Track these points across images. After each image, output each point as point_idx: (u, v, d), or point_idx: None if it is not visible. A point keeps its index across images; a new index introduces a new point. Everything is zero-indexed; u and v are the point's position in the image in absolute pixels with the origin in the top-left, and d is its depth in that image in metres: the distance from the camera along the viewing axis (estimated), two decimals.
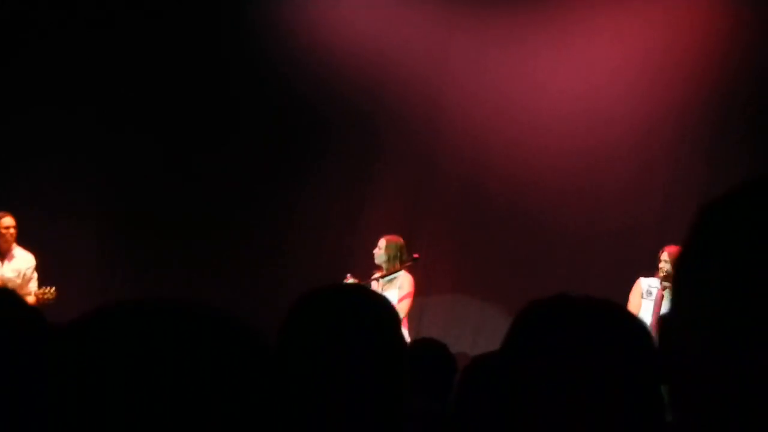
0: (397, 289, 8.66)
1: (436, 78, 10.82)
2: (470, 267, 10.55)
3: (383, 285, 8.69)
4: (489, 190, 10.54)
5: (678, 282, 0.94)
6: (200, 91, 10.92)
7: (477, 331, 10.04)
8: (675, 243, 8.78)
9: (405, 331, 8.57)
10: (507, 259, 10.40)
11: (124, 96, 10.87)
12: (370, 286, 8.68)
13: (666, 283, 8.17)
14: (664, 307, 8.04)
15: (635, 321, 1.59)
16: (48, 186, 10.63)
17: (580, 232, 10.23)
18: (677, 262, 0.95)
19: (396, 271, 8.70)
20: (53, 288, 8.88)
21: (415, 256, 8.86)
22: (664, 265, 8.20)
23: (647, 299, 8.22)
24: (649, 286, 8.30)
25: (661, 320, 0.97)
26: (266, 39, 10.90)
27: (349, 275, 8.80)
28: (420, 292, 9.06)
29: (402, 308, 8.48)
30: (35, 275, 9.09)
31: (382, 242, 8.81)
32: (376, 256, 8.77)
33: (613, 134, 10.31)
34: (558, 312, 1.59)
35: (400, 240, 8.86)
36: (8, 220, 8.96)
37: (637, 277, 8.40)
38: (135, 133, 10.90)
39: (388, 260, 8.70)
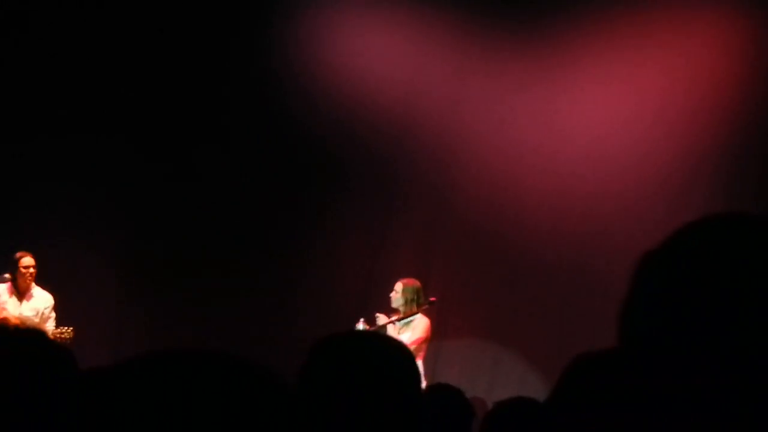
0: (411, 331, 8.65)
1: (451, 122, 10.87)
2: (485, 311, 10.52)
3: (400, 328, 8.69)
4: (504, 234, 10.54)
5: (623, 320, 1.06)
6: (216, 130, 11.00)
7: (493, 376, 10.01)
8: None
9: (420, 375, 8.54)
10: (522, 303, 10.37)
11: (141, 132, 10.95)
12: (386, 328, 8.69)
13: None
14: None
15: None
16: (68, 224, 10.68)
17: (596, 277, 10.19)
18: (624, 304, 1.08)
19: (413, 314, 8.69)
20: (71, 328, 8.92)
21: (432, 299, 8.85)
22: None
23: None
24: None
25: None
26: (285, 80, 10.96)
27: (362, 320, 8.78)
28: (436, 335, 9.05)
29: (414, 351, 8.47)
30: (53, 315, 9.14)
31: (399, 285, 8.82)
32: (393, 299, 8.77)
33: (628, 181, 10.31)
34: (613, 367, 1.57)
35: (417, 283, 8.87)
36: (28, 260, 9.04)
37: None
38: (152, 171, 10.96)
39: (406, 303, 8.71)
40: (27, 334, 1.82)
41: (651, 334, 1.00)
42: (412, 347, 8.48)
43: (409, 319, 8.67)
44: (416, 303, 8.72)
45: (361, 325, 8.73)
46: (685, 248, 0.99)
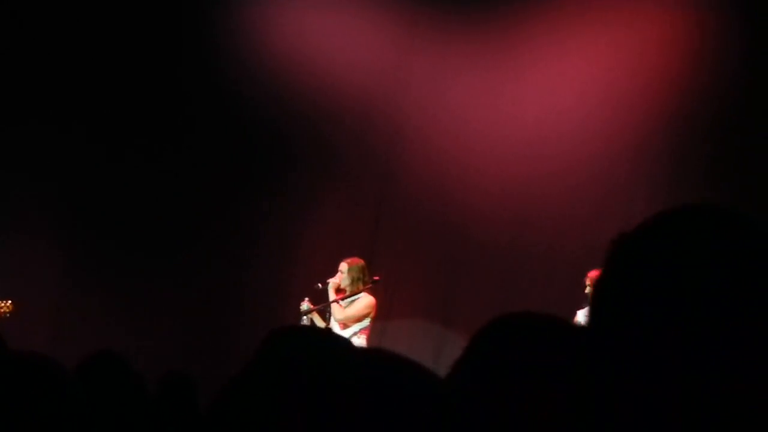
0: (353, 307, 8.69)
1: (398, 100, 10.85)
2: (431, 291, 10.55)
3: (345, 307, 8.69)
4: (451, 214, 10.55)
5: (595, 305, 1.07)
6: (156, 105, 10.88)
7: (438, 355, 10.02)
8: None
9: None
10: (467, 283, 10.41)
11: (79, 108, 10.79)
12: (330, 308, 8.68)
13: None
14: None
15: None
16: (9, 210, 10.53)
17: (543, 256, 10.26)
18: (595, 287, 1.08)
19: (357, 293, 8.69)
20: (9, 301, 8.80)
21: (376, 278, 8.89)
22: (589, 290, 8.30)
23: None
24: (585, 317, 8.33)
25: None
26: (228, 57, 10.88)
27: (306, 299, 8.79)
28: (381, 315, 9.04)
29: (343, 314, 8.57)
30: None
31: (344, 265, 8.81)
32: (339, 279, 8.75)
33: (576, 159, 10.37)
34: (519, 328, 1.61)
35: (361, 262, 8.87)
36: None
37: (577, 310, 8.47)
38: (89, 145, 10.82)
39: (352, 282, 8.73)
40: None
41: (616, 317, 1.03)
42: (351, 324, 8.52)
43: (354, 297, 8.69)
44: (361, 282, 8.73)
45: (306, 305, 8.72)
46: (661, 235, 1.04)
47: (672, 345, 0.97)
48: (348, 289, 8.72)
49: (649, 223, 1.05)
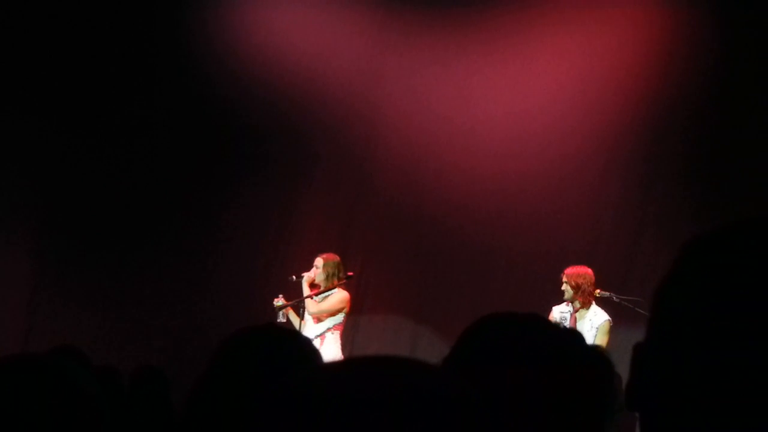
0: (327, 302, 8.70)
1: (371, 96, 10.83)
2: (405, 287, 10.55)
3: (319, 302, 8.70)
4: (424, 209, 10.56)
5: (658, 313, 0.97)
6: (128, 100, 10.76)
7: (412, 352, 10.04)
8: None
9: (338, 348, 8.57)
10: (440, 279, 10.42)
11: (49, 103, 10.70)
12: (304, 304, 8.68)
13: (577, 304, 8.37)
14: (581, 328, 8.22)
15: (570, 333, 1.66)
16: None
17: (514, 253, 10.29)
18: (659, 294, 0.98)
19: (332, 288, 8.70)
20: None
21: (350, 274, 8.90)
22: (566, 287, 8.36)
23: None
24: (561, 313, 8.43)
25: (636, 348, 0.99)
26: (201, 52, 10.78)
27: (281, 296, 8.78)
28: (354, 310, 9.05)
29: (315, 308, 8.58)
30: None
31: (319, 261, 8.81)
32: (314, 275, 8.74)
33: (548, 158, 10.40)
34: (506, 326, 1.62)
35: (336, 258, 8.88)
36: None
37: (551, 306, 8.52)
38: (60, 140, 10.70)
39: (327, 278, 8.72)
40: None
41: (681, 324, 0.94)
42: (325, 318, 8.55)
43: (328, 293, 8.70)
44: (336, 277, 8.74)
45: (280, 301, 8.72)
46: (739, 243, 0.95)
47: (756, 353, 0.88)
48: (322, 284, 8.73)
49: (731, 227, 0.96)
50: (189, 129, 10.81)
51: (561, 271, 8.57)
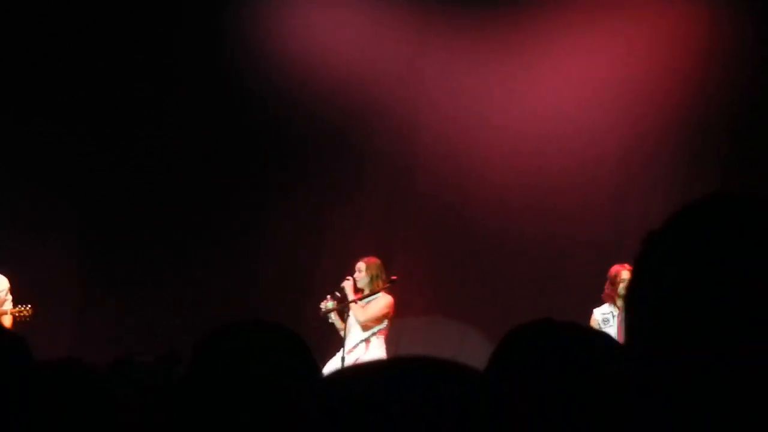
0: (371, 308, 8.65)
1: (412, 98, 10.84)
2: (448, 289, 10.54)
3: (364, 307, 8.66)
4: (466, 211, 10.56)
5: (632, 301, 1.03)
6: (173, 111, 10.87)
7: (457, 354, 10.02)
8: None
9: (383, 352, 8.55)
10: (485, 280, 10.40)
11: (87, 110, 10.81)
12: (349, 308, 8.65)
13: (620, 303, 8.15)
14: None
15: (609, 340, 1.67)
16: (21, 205, 10.57)
17: (559, 252, 10.25)
18: (629, 287, 1.05)
19: (376, 292, 8.67)
20: (29, 306, 8.84)
21: (394, 277, 8.82)
22: (622, 287, 8.18)
23: (606, 327, 8.18)
24: (603, 315, 8.32)
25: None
26: (237, 55, 10.87)
27: (329, 297, 8.74)
28: (399, 314, 9.04)
29: (361, 313, 8.54)
30: (9, 297, 9.02)
31: (361, 265, 8.79)
32: (357, 279, 8.73)
33: (592, 154, 10.36)
34: (541, 336, 1.61)
35: (378, 261, 8.85)
36: None
37: (591, 309, 8.43)
38: (101, 151, 10.84)
39: (371, 281, 8.68)
40: None
41: (657, 323, 0.98)
42: (371, 324, 8.52)
43: (372, 297, 8.66)
44: (379, 280, 8.71)
45: (330, 303, 8.69)
46: (692, 228, 1.00)
47: (718, 344, 0.92)
48: (366, 288, 8.71)
49: (676, 218, 1.01)
50: (229, 133, 10.89)
51: (603, 269, 8.51)
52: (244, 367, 1.84)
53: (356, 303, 8.63)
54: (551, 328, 1.63)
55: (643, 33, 10.36)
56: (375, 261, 8.82)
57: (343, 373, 1.07)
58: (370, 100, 10.84)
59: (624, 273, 8.08)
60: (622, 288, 8.07)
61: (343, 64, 10.86)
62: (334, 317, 8.72)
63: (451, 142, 10.69)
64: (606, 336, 1.71)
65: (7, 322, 8.74)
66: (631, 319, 1.02)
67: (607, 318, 8.27)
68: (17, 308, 8.82)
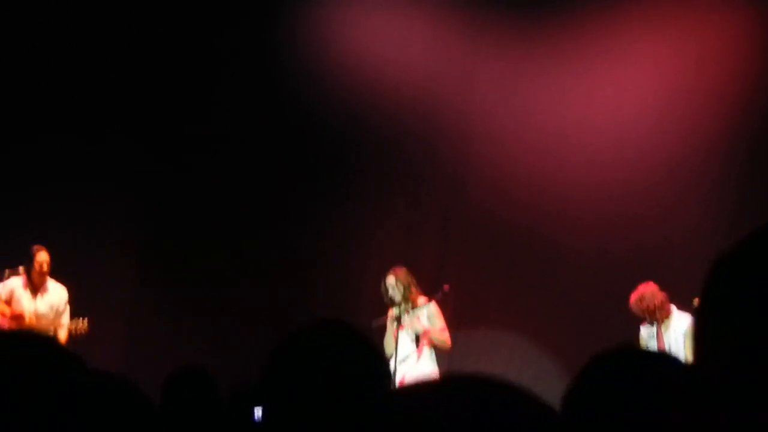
0: (429, 319, 8.53)
1: (466, 109, 10.82)
2: (502, 300, 10.48)
3: (411, 319, 8.52)
4: (517, 220, 10.49)
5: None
6: (228, 121, 10.94)
7: (508, 366, 9.97)
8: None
9: (434, 363, 8.47)
10: (538, 291, 10.33)
11: (149, 127, 10.94)
12: (399, 324, 8.48)
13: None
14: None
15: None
16: (80, 216, 10.70)
17: (612, 264, 10.15)
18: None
19: (418, 299, 8.52)
20: (85, 320, 8.96)
21: (446, 288, 8.67)
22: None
23: (650, 342, 8.27)
24: (648, 331, 8.37)
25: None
26: (291, 64, 10.91)
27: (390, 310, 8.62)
28: (451, 325, 8.99)
29: (446, 337, 8.45)
30: (68, 308, 9.16)
31: (391, 279, 8.54)
32: (392, 296, 8.51)
33: (643, 166, 10.26)
34: (623, 367, 1.57)
35: (404, 268, 8.64)
36: (43, 255, 9.03)
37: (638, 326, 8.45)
38: (159, 161, 10.95)
39: (406, 289, 8.47)
40: (35, 341, 1.81)
41: (723, 347, 0.98)
42: (444, 333, 8.46)
43: (422, 307, 8.52)
44: (413, 284, 8.52)
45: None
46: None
47: None
48: (403, 300, 8.46)
49: (751, 240, 0.98)
50: (281, 141, 10.95)
51: (660, 279, 8.48)
52: (325, 367, 1.86)
53: (407, 314, 8.50)
54: (636, 356, 1.59)
55: (694, 37, 10.25)
56: (399, 271, 8.62)
57: (414, 390, 1.09)
58: (426, 110, 10.84)
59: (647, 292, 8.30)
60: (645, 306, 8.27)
61: (398, 74, 10.87)
62: (388, 340, 8.41)
63: (506, 151, 10.65)
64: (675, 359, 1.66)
65: (63, 334, 8.89)
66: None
67: (652, 334, 8.30)
68: (73, 322, 8.95)
